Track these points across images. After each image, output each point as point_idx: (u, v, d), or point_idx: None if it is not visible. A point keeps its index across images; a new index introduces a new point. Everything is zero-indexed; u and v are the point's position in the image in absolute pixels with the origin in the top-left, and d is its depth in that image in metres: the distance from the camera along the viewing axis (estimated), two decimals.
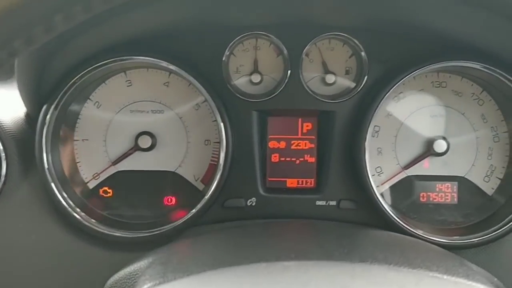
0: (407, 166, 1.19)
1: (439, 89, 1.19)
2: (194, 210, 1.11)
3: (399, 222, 1.09)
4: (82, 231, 1.11)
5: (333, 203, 1.15)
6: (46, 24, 0.43)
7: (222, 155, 1.12)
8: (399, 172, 1.19)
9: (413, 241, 0.91)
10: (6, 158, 1.10)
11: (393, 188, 1.19)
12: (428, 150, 1.17)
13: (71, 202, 1.10)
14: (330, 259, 0.66)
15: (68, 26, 0.45)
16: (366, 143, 1.09)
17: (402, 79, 1.08)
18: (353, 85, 1.18)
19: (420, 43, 1.14)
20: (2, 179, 1.10)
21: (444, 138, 1.17)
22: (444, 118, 1.19)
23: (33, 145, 1.11)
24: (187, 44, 1.16)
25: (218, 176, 1.12)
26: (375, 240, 0.85)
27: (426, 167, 1.19)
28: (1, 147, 1.10)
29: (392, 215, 1.10)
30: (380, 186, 1.18)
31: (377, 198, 1.10)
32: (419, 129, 1.19)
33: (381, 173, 1.19)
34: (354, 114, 1.14)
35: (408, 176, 1.19)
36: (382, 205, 1.10)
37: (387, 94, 1.09)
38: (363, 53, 1.14)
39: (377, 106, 1.09)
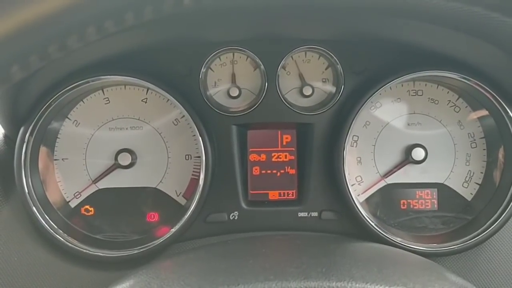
0: (386, 175, 1.20)
1: (415, 97, 1.20)
2: (177, 227, 1.11)
3: (379, 232, 1.10)
4: (65, 252, 1.10)
5: (315, 214, 1.16)
6: (41, 53, 0.43)
7: (203, 170, 1.12)
8: (379, 181, 1.20)
9: (392, 254, 0.92)
10: None
11: (373, 196, 1.21)
12: (406, 158, 1.19)
13: (53, 224, 1.10)
14: (309, 280, 0.66)
15: (62, 55, 0.46)
16: (345, 153, 1.10)
17: (378, 89, 1.10)
18: (330, 96, 1.19)
19: (394, 54, 1.15)
20: None
21: (422, 146, 1.18)
22: (422, 126, 1.20)
23: (12, 167, 1.10)
24: (164, 61, 1.16)
25: (199, 191, 1.12)
26: (354, 256, 0.86)
27: (405, 174, 1.20)
28: None
29: (372, 224, 1.11)
30: (360, 195, 1.19)
31: (357, 208, 1.11)
32: (397, 138, 1.20)
33: (361, 182, 1.20)
34: (332, 125, 1.15)
35: (388, 184, 1.20)
36: (363, 215, 1.11)
37: (364, 105, 1.10)
38: (338, 65, 1.15)
39: (355, 117, 1.10)
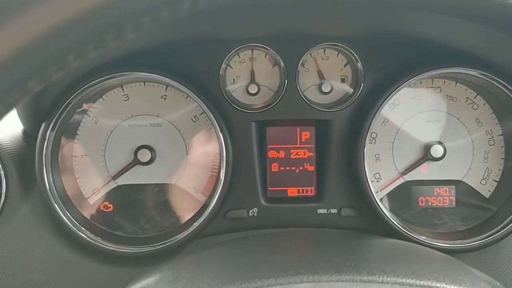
0: (405, 172, 1.20)
1: (434, 94, 1.21)
2: (197, 223, 1.12)
3: (399, 228, 1.10)
4: (85, 248, 1.11)
5: (334, 211, 1.16)
6: (60, 63, 0.43)
7: (223, 166, 1.12)
8: (398, 178, 1.20)
9: (416, 249, 0.92)
10: (6, 177, 1.10)
11: (392, 193, 1.21)
12: (425, 155, 1.19)
13: (74, 220, 1.10)
14: (340, 274, 0.67)
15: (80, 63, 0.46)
16: (365, 151, 1.11)
17: (398, 87, 1.10)
18: (349, 93, 1.19)
19: (414, 50, 1.15)
20: (2, 198, 1.10)
21: (440, 143, 1.18)
22: (440, 123, 1.20)
23: (32, 163, 1.11)
24: (183, 58, 1.17)
25: (220, 188, 1.12)
26: (379, 251, 0.86)
27: (423, 172, 1.21)
28: (0, 166, 1.10)
29: (393, 221, 1.11)
30: (379, 192, 1.20)
31: (377, 204, 1.11)
32: (415, 135, 1.20)
33: (379, 179, 1.21)
34: (351, 122, 1.16)
35: (407, 181, 1.21)
36: (383, 211, 1.11)
37: (384, 102, 1.10)
38: (357, 63, 1.16)
39: (374, 115, 1.10)
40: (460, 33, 0.98)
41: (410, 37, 1.10)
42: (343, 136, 1.16)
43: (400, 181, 1.21)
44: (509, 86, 1.08)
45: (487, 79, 1.10)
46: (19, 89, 0.43)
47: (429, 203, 1.21)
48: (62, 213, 1.10)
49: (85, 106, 1.17)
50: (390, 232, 1.11)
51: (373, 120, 1.10)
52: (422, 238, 1.10)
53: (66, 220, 1.10)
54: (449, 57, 1.11)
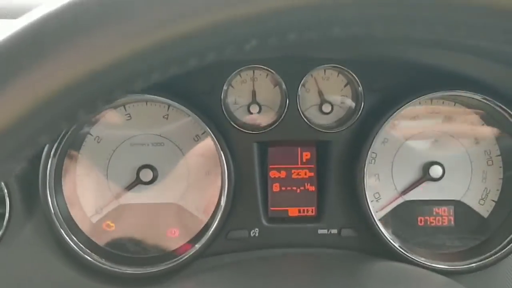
0: (404, 191, 1.21)
1: (433, 114, 1.22)
2: (199, 244, 1.12)
3: (399, 250, 1.11)
4: (88, 268, 1.11)
5: (335, 231, 1.17)
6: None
7: (225, 186, 1.13)
8: (397, 198, 1.22)
9: (416, 273, 0.93)
10: (9, 198, 1.11)
11: (391, 213, 1.22)
12: (424, 176, 1.20)
13: (78, 242, 1.11)
14: None
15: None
16: (366, 171, 1.12)
17: (398, 109, 1.11)
18: (349, 113, 1.21)
19: (413, 72, 1.17)
20: (6, 219, 1.10)
21: (439, 164, 1.20)
22: (439, 143, 1.22)
23: (35, 183, 1.11)
24: (185, 78, 1.18)
25: (222, 208, 1.13)
26: (379, 276, 0.88)
27: (422, 191, 1.22)
28: (3, 186, 1.11)
29: (392, 243, 1.12)
30: (378, 212, 1.21)
31: (377, 225, 1.12)
32: (415, 155, 1.21)
33: (379, 199, 1.22)
34: (351, 142, 1.17)
35: (406, 201, 1.22)
36: (382, 232, 1.13)
37: (384, 124, 1.11)
38: (357, 84, 1.17)
39: (375, 135, 1.11)
40: (460, 61, 0.99)
41: (409, 61, 1.12)
42: (344, 156, 1.17)
43: (400, 200, 1.22)
44: (509, 110, 1.10)
45: (487, 102, 1.11)
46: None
47: (428, 223, 1.22)
48: (66, 235, 1.10)
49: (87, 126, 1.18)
50: (390, 253, 1.12)
51: (374, 141, 1.12)
52: (422, 259, 1.11)
53: (71, 243, 1.10)
54: (449, 79, 1.13)
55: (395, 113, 1.12)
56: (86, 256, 1.11)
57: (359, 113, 1.17)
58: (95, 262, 1.12)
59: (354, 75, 1.16)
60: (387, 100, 1.15)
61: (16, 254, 1.11)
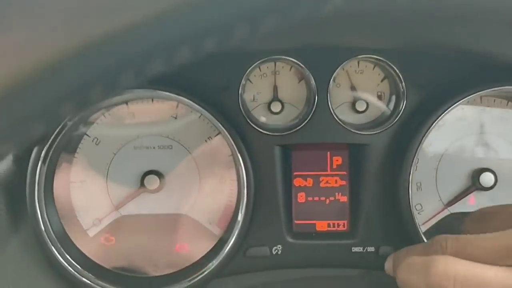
0: (450, 203, 1.05)
1: (483, 115, 1.06)
2: (214, 262, 0.97)
3: None
4: None
5: (371, 249, 1.01)
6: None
7: (243, 197, 0.98)
8: (442, 210, 1.05)
9: None
10: None
11: (435, 227, 1.06)
12: (473, 184, 1.04)
13: (72, 261, 0.96)
14: None
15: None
16: (411, 179, 0.96)
17: (449, 107, 0.95)
18: (387, 112, 1.04)
19: (463, 65, 1.01)
20: None
21: (490, 170, 1.03)
22: (490, 148, 1.06)
23: (23, 190, 0.96)
24: (197, 71, 1.02)
25: (239, 222, 0.98)
26: None
27: (471, 203, 1.06)
28: None
29: None
30: (421, 226, 1.04)
31: (424, 241, 0.96)
32: (462, 161, 1.05)
33: (421, 211, 1.05)
34: (392, 146, 1.01)
35: (452, 214, 1.06)
36: None
37: (432, 125, 0.95)
38: (399, 78, 1.01)
39: (422, 139, 0.95)
40: None
41: (462, 50, 0.95)
42: (382, 162, 1.01)
43: (445, 213, 1.06)
44: None
45: None
46: None
47: None
48: (58, 252, 0.95)
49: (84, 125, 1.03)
50: None
51: (420, 145, 0.95)
52: None
53: (63, 260, 0.95)
54: (504, 73, 0.96)
55: (444, 114, 0.96)
56: (81, 277, 0.96)
57: (401, 112, 1.00)
58: (91, 283, 0.96)
59: (394, 67, 1.00)
60: (434, 97, 0.99)
61: (1, 275, 0.95)
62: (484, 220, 0.82)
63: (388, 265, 0.89)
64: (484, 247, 0.69)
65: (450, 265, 0.68)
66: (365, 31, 0.91)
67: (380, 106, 1.06)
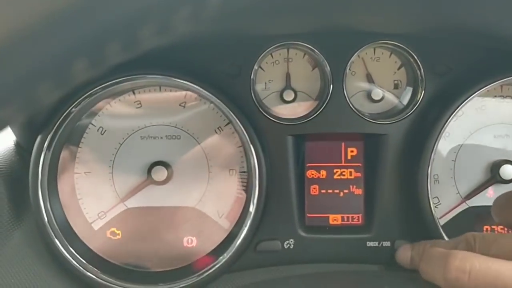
0: (468, 196, 1.01)
1: (503, 104, 1.02)
2: (223, 258, 0.93)
3: None
4: (89, 286, 0.93)
5: (387, 243, 0.97)
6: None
7: (255, 189, 0.94)
8: (460, 203, 1.02)
9: None
10: None
11: (452, 221, 1.02)
12: (493, 177, 1.00)
13: (76, 255, 0.92)
14: None
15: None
16: (430, 171, 0.92)
17: (470, 96, 0.91)
18: (404, 101, 1.00)
19: (483, 51, 0.97)
20: None
21: (511, 162, 0.99)
22: (511, 139, 1.01)
23: (25, 182, 0.92)
24: (206, 58, 0.98)
25: (250, 215, 0.94)
26: None
27: (490, 196, 1.02)
28: None
29: None
30: (438, 220, 1.00)
31: (444, 236, 0.93)
32: (481, 152, 1.01)
33: (438, 204, 1.02)
34: (409, 137, 0.97)
35: (470, 207, 1.02)
36: None
37: (452, 115, 0.91)
38: (417, 65, 0.96)
39: (441, 129, 0.91)
40: None
41: (483, 34, 0.91)
42: (399, 153, 0.97)
43: (463, 206, 1.02)
44: None
45: None
46: None
47: (495, 233, 1.02)
48: (62, 244, 0.91)
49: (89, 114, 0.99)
50: None
51: (439, 136, 0.91)
52: None
53: (66, 254, 0.91)
54: None
55: (464, 103, 0.92)
56: (86, 271, 0.92)
57: (419, 101, 0.96)
58: (96, 278, 0.93)
59: (412, 53, 0.96)
60: (453, 86, 0.95)
61: (2, 268, 0.92)
62: (509, 206, 0.80)
63: (403, 255, 0.89)
64: (509, 245, 0.70)
65: (467, 260, 0.69)
66: (381, 12, 0.88)
67: (397, 95, 1.01)
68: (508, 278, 0.66)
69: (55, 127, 0.92)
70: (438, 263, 0.73)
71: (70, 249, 0.92)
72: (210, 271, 0.93)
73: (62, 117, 0.91)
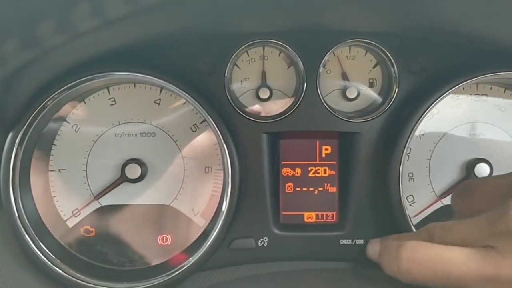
0: (443, 194, 1.01)
1: (478, 103, 1.02)
2: (196, 255, 0.93)
3: None
4: (62, 284, 0.92)
5: (360, 241, 0.97)
6: None
7: (229, 186, 0.94)
8: (435, 202, 1.02)
9: None
10: None
11: (427, 219, 1.02)
12: (468, 175, 1.00)
13: (49, 252, 0.92)
14: None
15: None
16: (402, 169, 0.92)
17: (443, 95, 0.91)
18: (379, 100, 1.00)
19: (457, 50, 0.97)
20: None
21: (485, 161, 0.99)
22: (486, 137, 1.02)
23: None
24: (181, 55, 0.98)
25: (224, 212, 0.94)
26: None
27: None
28: None
29: None
30: (412, 218, 1.00)
31: None
32: (456, 151, 1.02)
33: (413, 203, 1.02)
34: (382, 135, 0.97)
35: (445, 206, 1.02)
36: None
37: (424, 113, 0.91)
38: (391, 63, 0.96)
39: (413, 127, 0.91)
40: None
41: (457, 33, 0.91)
42: (372, 151, 0.97)
43: (438, 205, 1.02)
44: None
45: None
46: None
47: None
48: (33, 242, 0.91)
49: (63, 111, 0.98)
50: None
51: (411, 134, 0.91)
52: None
53: (38, 252, 0.91)
54: (504, 59, 0.93)
55: (437, 101, 0.92)
56: (58, 270, 0.92)
57: (392, 99, 0.96)
58: (69, 276, 0.92)
59: (386, 52, 0.96)
60: (427, 84, 0.95)
61: None
62: (469, 195, 0.81)
63: (372, 249, 0.90)
64: (463, 231, 0.70)
65: (416, 250, 0.71)
66: (354, 10, 0.88)
67: (372, 94, 1.01)
68: (454, 265, 0.66)
69: (27, 123, 0.91)
70: (392, 255, 0.74)
71: (40, 245, 0.91)
72: (182, 269, 0.92)
73: (34, 113, 0.91)
